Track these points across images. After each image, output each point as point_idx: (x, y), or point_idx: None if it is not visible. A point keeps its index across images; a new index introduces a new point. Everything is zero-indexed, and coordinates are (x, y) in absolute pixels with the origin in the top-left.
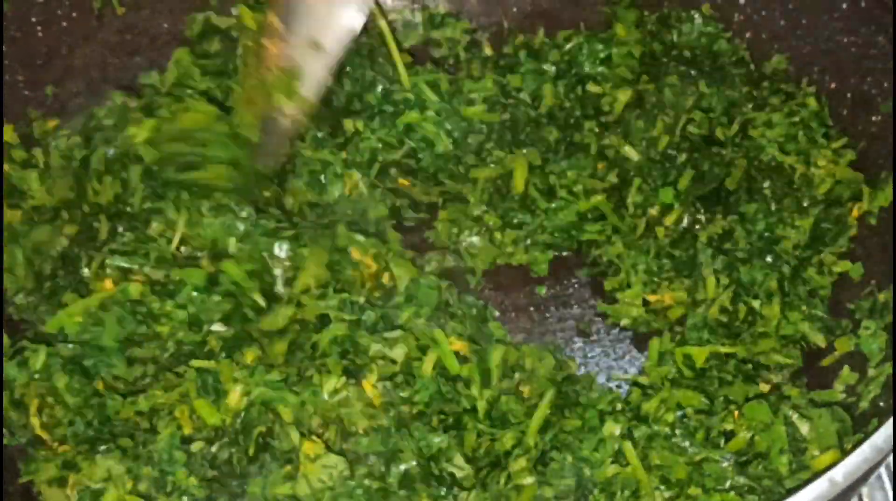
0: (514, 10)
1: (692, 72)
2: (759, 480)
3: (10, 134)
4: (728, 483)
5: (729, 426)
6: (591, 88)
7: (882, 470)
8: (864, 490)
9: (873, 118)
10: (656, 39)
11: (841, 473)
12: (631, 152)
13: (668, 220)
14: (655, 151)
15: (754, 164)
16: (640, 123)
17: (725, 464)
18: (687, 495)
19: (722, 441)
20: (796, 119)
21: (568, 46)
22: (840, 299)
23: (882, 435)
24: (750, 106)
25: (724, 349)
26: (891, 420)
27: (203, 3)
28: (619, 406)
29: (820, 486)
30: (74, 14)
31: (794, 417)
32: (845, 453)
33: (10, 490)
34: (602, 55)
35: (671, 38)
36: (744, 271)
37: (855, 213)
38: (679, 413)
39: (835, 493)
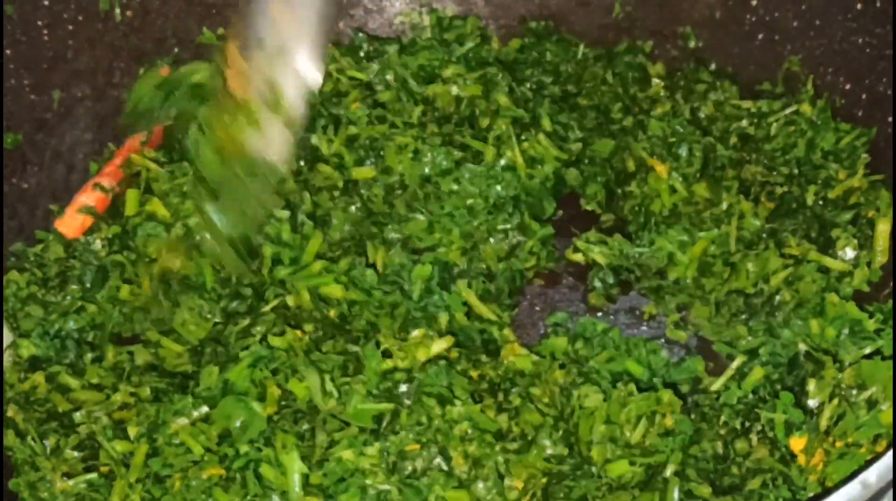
0: (523, 11)
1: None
2: None
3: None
4: None
5: None
6: None
7: None
8: None
9: (889, 119)
10: None
11: (874, 475)
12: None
13: None
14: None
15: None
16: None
17: None
18: None
19: None
20: (792, 129)
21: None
22: (859, 303)
23: None
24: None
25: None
26: None
27: (206, 9)
28: None
29: (852, 489)
30: (80, 17)
31: None
32: None
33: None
34: None
35: None
36: None
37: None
38: None
39: (868, 496)
